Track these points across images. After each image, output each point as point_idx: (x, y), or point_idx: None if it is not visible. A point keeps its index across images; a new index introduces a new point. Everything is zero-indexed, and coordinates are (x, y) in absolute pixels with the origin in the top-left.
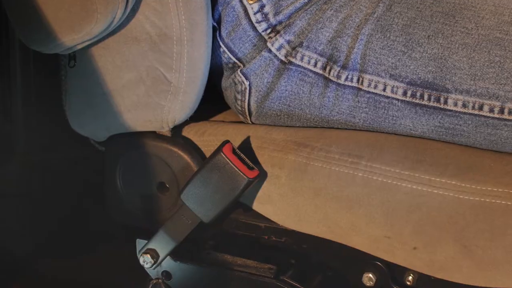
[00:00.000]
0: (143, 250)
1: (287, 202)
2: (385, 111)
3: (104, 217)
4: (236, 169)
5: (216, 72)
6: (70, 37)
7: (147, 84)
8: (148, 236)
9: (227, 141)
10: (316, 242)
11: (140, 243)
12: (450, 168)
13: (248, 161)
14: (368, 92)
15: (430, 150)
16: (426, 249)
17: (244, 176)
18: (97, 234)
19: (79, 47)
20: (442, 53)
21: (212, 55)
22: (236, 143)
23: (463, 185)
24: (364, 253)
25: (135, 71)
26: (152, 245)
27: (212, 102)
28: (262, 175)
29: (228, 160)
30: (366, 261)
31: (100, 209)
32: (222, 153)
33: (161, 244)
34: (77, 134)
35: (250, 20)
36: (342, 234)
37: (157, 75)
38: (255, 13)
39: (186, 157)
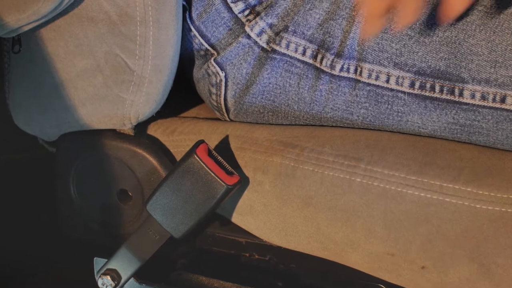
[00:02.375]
0: (102, 271)
1: (272, 213)
2: (389, 106)
3: (56, 231)
4: (213, 174)
5: (187, 61)
6: (14, 17)
7: (106, 73)
8: (108, 254)
9: (201, 141)
10: (306, 260)
11: (98, 262)
12: (465, 172)
13: (227, 165)
14: (368, 84)
15: (441, 151)
16: (436, 268)
17: (222, 183)
18: (48, 251)
19: (25, 29)
20: (456, 36)
21: (181, 40)
22: (212, 143)
23: (481, 192)
24: (363, 273)
25: (91, 58)
26: (112, 264)
27: (183, 95)
28: (243, 182)
29: (202, 163)
30: (366, 283)
31: (52, 221)
32: (195, 156)
33: (124, 263)
34: (23, 132)
35: None
36: (337, 251)
37: (118, 63)
38: None
39: (152, 160)
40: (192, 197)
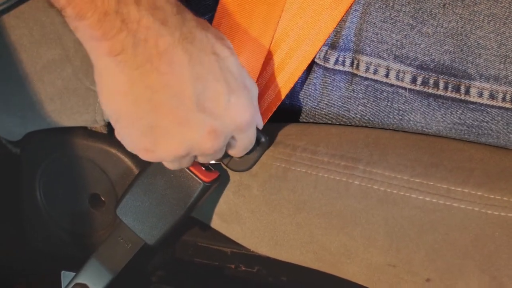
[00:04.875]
0: (70, 286)
1: (261, 220)
2: (389, 104)
3: (20, 241)
4: (187, 171)
5: None
6: None
7: (75, 64)
8: (79, 266)
9: None
10: (298, 272)
11: (66, 276)
12: (475, 174)
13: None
14: (366, 79)
15: (449, 151)
16: (443, 281)
17: (198, 180)
18: (12, 264)
19: None
20: (462, 27)
21: None
22: None
23: (492, 196)
24: (362, 286)
25: (60, 48)
26: (82, 278)
27: None
28: (228, 186)
29: None
30: None
31: (16, 230)
32: None
33: (94, 276)
34: None
35: None
36: (333, 262)
37: None
38: None
39: (126, 160)
40: (166, 198)
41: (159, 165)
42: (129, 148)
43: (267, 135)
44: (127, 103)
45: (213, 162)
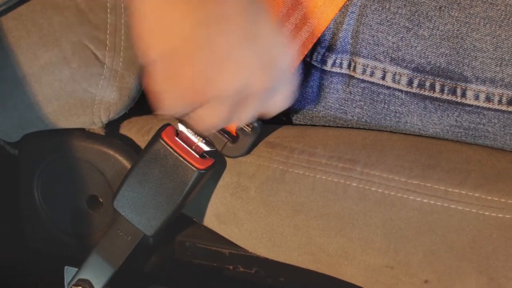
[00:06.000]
0: (73, 282)
1: (258, 222)
2: (385, 106)
3: (19, 242)
4: (181, 159)
5: None
6: None
7: (73, 67)
8: (77, 266)
9: (167, 124)
10: (296, 273)
11: (69, 271)
12: (472, 176)
13: (201, 147)
14: (363, 81)
15: (446, 152)
16: (441, 283)
17: (193, 168)
18: (11, 264)
19: None
20: (458, 30)
21: None
22: None
23: (490, 198)
24: None
25: (57, 50)
26: (84, 273)
27: None
28: (226, 187)
29: (169, 147)
30: None
31: (15, 231)
32: (161, 140)
33: (96, 271)
34: None
35: None
36: (331, 264)
37: (86, 55)
38: None
39: (124, 162)
40: (162, 188)
41: (153, 155)
42: (178, 93)
43: (259, 120)
44: (188, 27)
45: (208, 149)
